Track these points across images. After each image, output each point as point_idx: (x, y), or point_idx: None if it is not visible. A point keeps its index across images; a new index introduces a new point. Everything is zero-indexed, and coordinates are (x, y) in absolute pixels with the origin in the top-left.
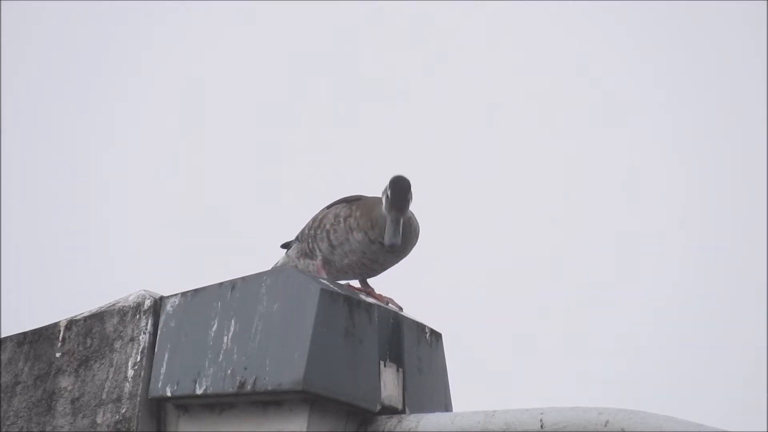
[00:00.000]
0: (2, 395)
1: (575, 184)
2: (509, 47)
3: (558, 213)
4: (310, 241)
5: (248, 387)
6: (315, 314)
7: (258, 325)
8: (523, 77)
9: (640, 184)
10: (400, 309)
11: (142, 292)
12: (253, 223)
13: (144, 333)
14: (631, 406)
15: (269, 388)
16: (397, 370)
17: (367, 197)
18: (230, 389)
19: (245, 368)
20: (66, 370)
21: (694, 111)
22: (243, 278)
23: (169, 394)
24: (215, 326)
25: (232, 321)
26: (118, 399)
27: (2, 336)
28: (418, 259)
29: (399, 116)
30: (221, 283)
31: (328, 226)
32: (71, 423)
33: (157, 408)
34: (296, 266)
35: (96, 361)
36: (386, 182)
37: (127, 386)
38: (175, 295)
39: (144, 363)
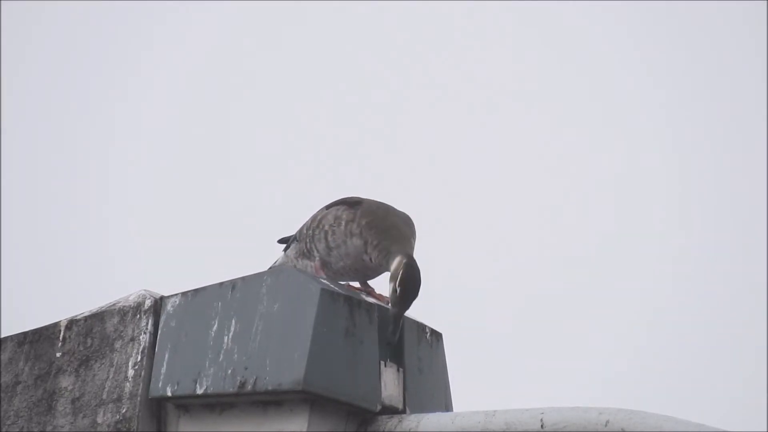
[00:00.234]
0: (3, 395)
1: (575, 183)
2: (509, 47)
3: (557, 212)
4: (308, 241)
5: (249, 387)
6: (315, 314)
7: (258, 325)
8: (523, 77)
9: (640, 184)
10: None
11: (143, 292)
12: (254, 222)
13: (144, 333)
14: (631, 406)
15: (269, 388)
16: (398, 370)
17: (368, 200)
18: (231, 389)
19: (246, 368)
20: (66, 370)
21: (694, 111)
22: (243, 278)
23: (169, 394)
24: (216, 326)
25: (233, 321)
26: (119, 399)
27: (2, 336)
28: (418, 259)
29: (399, 117)
30: (221, 283)
31: (326, 227)
32: (71, 423)
33: (158, 408)
34: (295, 266)
35: (96, 360)
36: (396, 267)
37: (128, 386)
38: (176, 295)
39: (144, 363)
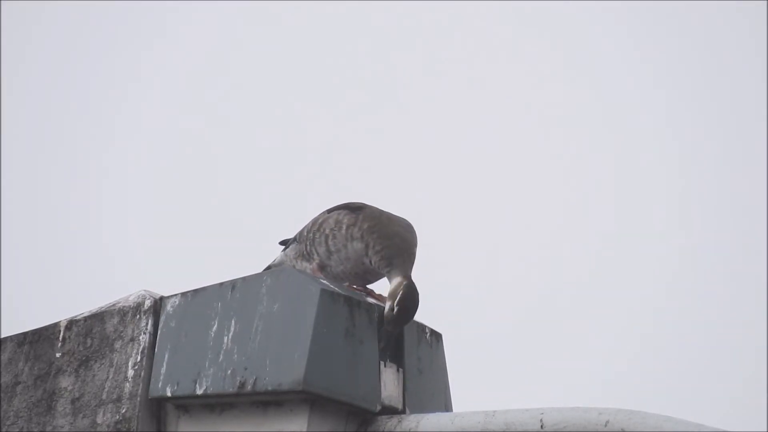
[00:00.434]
0: (2, 395)
1: (574, 183)
2: (509, 47)
3: (557, 212)
4: (308, 243)
5: (248, 387)
6: (315, 314)
7: (258, 325)
8: (523, 77)
9: (640, 184)
10: None
11: (142, 292)
12: (254, 223)
13: (144, 333)
14: (631, 406)
15: (269, 388)
16: (398, 370)
17: (370, 206)
18: (230, 389)
19: (245, 368)
20: (66, 370)
21: (694, 111)
22: (243, 278)
23: (169, 394)
24: (215, 326)
25: (233, 321)
26: (119, 399)
27: (2, 336)
28: (418, 259)
29: (398, 118)
30: (221, 283)
31: (327, 231)
32: (71, 423)
33: (157, 408)
34: (293, 267)
35: (96, 361)
36: (396, 286)
37: (128, 386)
38: (175, 295)
39: (144, 363)
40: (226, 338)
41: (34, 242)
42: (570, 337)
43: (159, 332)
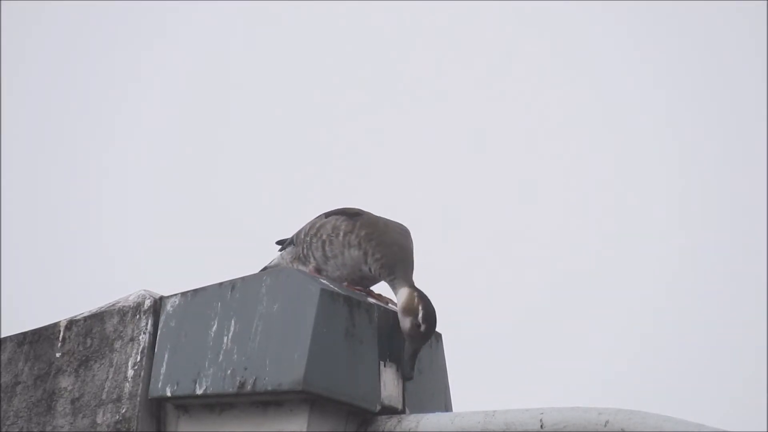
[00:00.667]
0: (2, 395)
1: (575, 183)
2: (507, 47)
3: (557, 212)
4: (304, 247)
5: (248, 387)
6: (315, 314)
7: (258, 325)
8: (522, 78)
9: (640, 184)
10: None
11: (142, 292)
12: (254, 223)
13: (144, 333)
14: (631, 406)
15: (269, 388)
16: (397, 370)
17: (367, 213)
18: (230, 389)
19: (245, 368)
20: (66, 370)
21: (694, 111)
22: (243, 278)
23: (169, 394)
24: (215, 326)
25: (232, 321)
26: (118, 399)
27: (2, 336)
28: (418, 259)
29: (398, 118)
30: (221, 283)
31: (324, 237)
32: (71, 423)
33: (157, 408)
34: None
35: (96, 361)
36: (407, 299)
37: (127, 386)
38: (175, 295)
39: (144, 363)
40: (225, 338)
41: (34, 242)
42: (570, 337)
43: (159, 332)
